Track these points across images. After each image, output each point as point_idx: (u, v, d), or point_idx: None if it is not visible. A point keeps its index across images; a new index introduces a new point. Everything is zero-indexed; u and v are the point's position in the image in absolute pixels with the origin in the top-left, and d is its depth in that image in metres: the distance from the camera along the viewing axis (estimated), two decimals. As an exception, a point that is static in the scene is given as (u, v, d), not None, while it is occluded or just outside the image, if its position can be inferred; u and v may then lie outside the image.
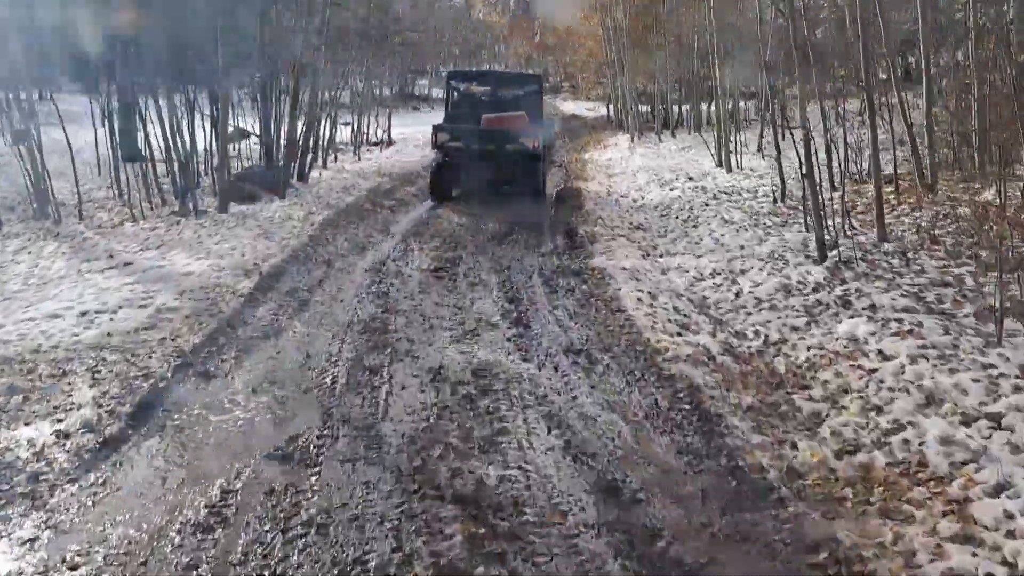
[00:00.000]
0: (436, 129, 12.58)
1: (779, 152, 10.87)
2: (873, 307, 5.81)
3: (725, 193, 12.11)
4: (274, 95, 14.71)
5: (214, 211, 11.49)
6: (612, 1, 23.92)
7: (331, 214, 11.29)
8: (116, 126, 13.27)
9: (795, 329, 5.76)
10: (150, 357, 5.52)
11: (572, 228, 10.45)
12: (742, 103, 20.69)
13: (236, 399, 4.85)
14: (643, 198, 12.91)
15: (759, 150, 16.66)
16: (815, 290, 6.52)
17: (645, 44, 24.22)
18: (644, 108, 25.96)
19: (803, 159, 7.62)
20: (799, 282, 6.80)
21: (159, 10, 11.96)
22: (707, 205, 11.20)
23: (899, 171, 10.29)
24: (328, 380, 5.14)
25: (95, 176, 14.01)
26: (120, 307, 6.61)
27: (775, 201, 10.81)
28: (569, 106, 37.12)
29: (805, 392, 4.73)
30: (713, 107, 25.70)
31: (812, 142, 7.76)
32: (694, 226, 9.88)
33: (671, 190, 13.04)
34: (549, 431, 4.39)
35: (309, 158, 15.32)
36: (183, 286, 7.22)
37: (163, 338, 5.91)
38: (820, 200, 7.38)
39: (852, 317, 5.66)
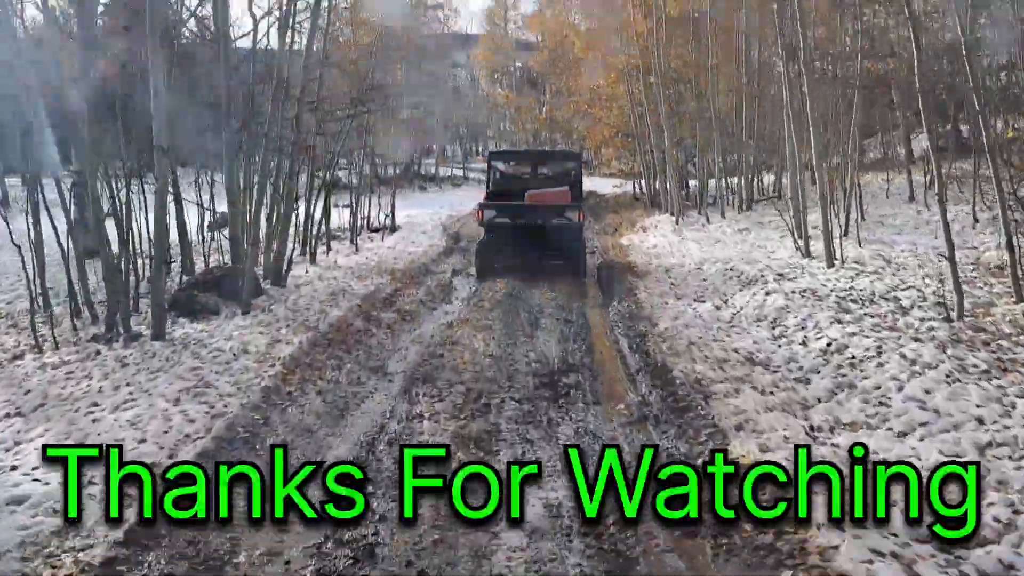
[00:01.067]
0: (482, 207, 13.05)
1: (951, 246, 7.53)
2: None
3: (852, 302, 8.72)
4: (244, 173, 11.65)
5: (148, 336, 8.21)
6: (647, 62, 20.99)
7: (306, 341, 7.93)
8: (71, 212, 10.05)
9: None
10: None
11: (660, 365, 7.05)
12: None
13: None
14: (727, 304, 9.57)
15: (846, 233, 13.45)
16: None
17: (683, 114, 21.42)
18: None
19: None
20: None
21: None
22: (840, 322, 7.76)
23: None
24: None
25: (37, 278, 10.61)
26: None
27: (948, 319, 7.41)
28: (584, 184, 33.94)
29: None
30: (774, 178, 22.83)
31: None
32: (854, 367, 6.42)
33: (766, 295, 9.63)
34: None
35: (289, 253, 12.12)
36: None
37: None
38: None
39: None
